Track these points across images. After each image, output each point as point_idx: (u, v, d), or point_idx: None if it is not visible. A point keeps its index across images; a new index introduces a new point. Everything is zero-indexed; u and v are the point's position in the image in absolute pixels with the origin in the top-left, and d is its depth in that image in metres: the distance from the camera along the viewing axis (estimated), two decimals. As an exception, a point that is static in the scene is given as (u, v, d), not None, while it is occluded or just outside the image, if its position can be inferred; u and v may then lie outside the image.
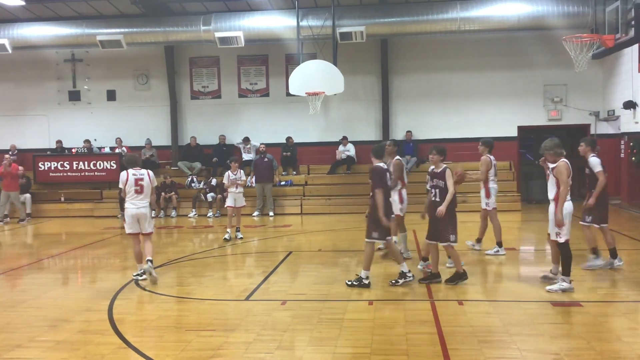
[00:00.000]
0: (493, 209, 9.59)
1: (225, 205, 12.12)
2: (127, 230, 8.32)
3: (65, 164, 18.03)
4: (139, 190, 8.12)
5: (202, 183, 17.25)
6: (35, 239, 13.77)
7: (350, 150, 17.82)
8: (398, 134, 18.02)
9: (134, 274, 8.43)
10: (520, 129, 17.76)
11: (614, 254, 8.33)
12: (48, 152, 18.85)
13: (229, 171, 11.99)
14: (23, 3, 15.77)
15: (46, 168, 18.04)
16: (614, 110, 16.56)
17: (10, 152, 18.77)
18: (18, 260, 10.41)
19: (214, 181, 16.91)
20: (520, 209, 15.94)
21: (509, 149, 17.36)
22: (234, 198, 11.81)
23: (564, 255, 7.16)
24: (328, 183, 17.51)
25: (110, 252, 11.07)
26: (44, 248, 12.03)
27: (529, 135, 18.54)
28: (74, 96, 19.47)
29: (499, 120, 17.58)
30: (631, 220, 13.85)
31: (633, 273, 8.21)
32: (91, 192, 17.80)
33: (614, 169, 16.86)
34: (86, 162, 17.96)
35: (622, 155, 16.29)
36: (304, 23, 15.74)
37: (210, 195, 16.55)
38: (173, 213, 16.60)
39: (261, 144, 17.27)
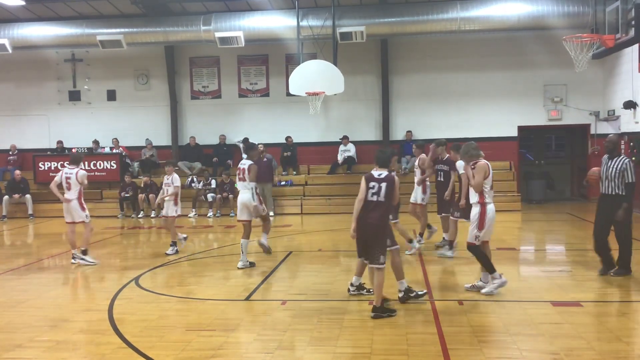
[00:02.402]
0: (426, 204, 10.24)
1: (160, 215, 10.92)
2: (66, 220, 9.91)
3: (65, 164, 17.94)
4: (68, 187, 9.79)
5: (202, 183, 17.24)
6: (36, 239, 13.77)
7: (351, 150, 17.80)
8: (398, 134, 18.02)
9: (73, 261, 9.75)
10: (520, 128, 17.75)
11: (451, 244, 9.42)
12: (48, 152, 18.84)
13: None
14: (23, 3, 15.77)
15: (46, 168, 18.03)
16: (614, 110, 16.55)
17: (10, 152, 18.81)
18: (18, 260, 10.42)
19: (213, 182, 16.92)
20: (520, 209, 15.94)
21: (509, 149, 17.37)
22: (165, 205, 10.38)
23: (478, 256, 7.06)
24: (328, 183, 17.51)
25: (110, 252, 11.06)
26: (44, 248, 12.04)
27: (529, 135, 18.55)
28: (74, 96, 19.45)
29: (499, 120, 17.57)
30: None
31: (633, 273, 8.21)
32: (91, 192, 17.69)
33: (614, 169, 16.85)
34: (86, 162, 17.86)
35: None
36: (304, 23, 15.74)
37: (210, 195, 16.55)
38: (173, 213, 16.59)
39: (259, 144, 17.23)
